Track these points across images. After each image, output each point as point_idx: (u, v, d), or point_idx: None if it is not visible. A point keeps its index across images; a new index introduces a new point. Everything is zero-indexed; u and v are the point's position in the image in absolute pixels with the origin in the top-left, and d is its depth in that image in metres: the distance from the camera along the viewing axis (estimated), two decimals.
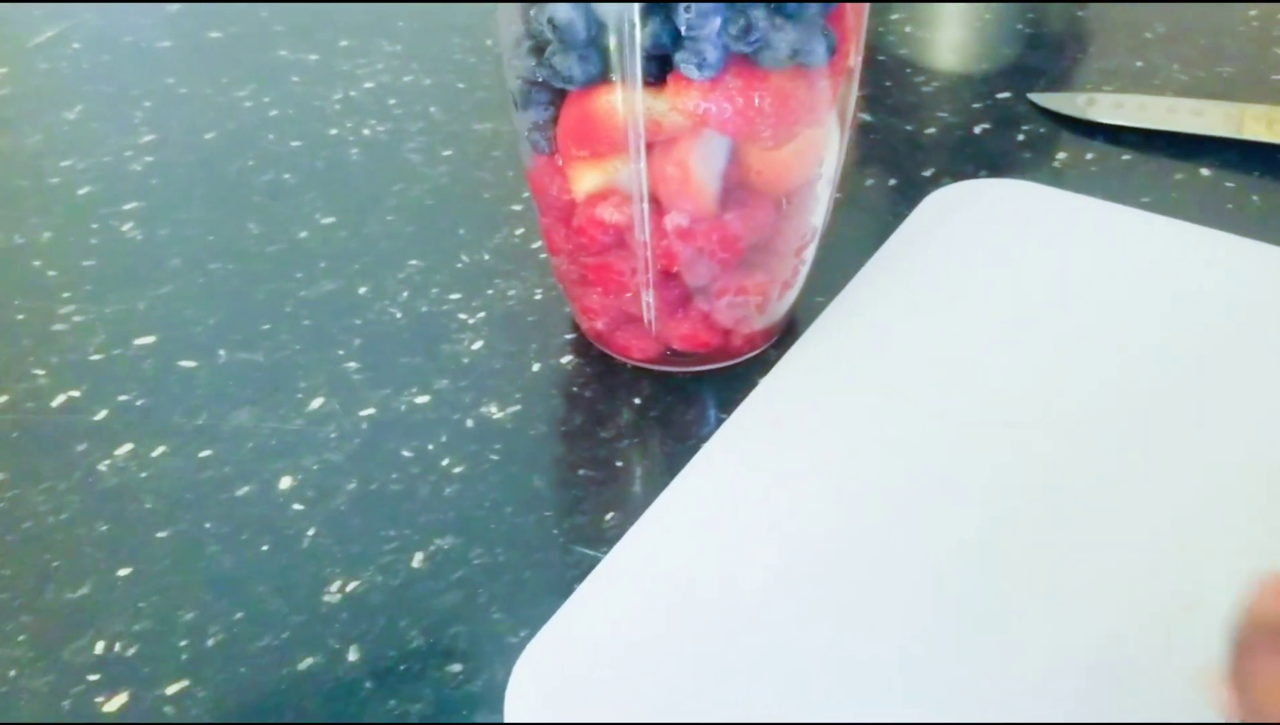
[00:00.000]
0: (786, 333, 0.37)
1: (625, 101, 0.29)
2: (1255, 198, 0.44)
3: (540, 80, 0.30)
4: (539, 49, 0.30)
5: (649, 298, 0.34)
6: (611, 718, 0.26)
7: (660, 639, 0.27)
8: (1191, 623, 0.27)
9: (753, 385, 0.35)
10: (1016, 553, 0.29)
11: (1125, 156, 0.47)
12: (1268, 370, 0.35)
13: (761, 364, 0.36)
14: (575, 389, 0.36)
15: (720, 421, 0.34)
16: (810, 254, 0.36)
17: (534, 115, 0.32)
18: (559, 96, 0.31)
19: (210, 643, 0.29)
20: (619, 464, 0.34)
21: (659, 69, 0.29)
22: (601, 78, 0.29)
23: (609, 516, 0.31)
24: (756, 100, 0.29)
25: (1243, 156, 0.46)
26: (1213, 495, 0.31)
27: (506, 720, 0.26)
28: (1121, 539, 0.30)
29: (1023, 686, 0.26)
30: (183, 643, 0.29)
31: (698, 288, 0.34)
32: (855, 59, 0.33)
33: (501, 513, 0.32)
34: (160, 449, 0.34)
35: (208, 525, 0.32)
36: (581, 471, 0.33)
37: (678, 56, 0.29)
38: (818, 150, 0.32)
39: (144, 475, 0.33)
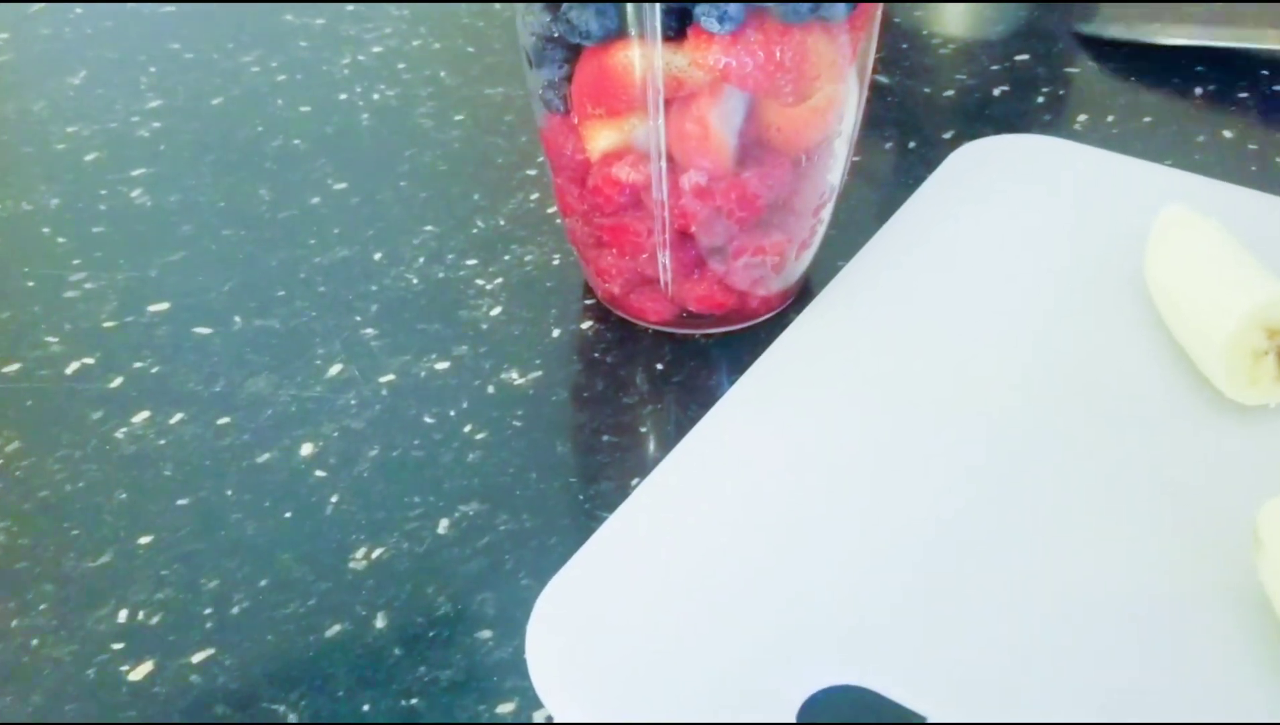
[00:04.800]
0: (802, 295, 0.37)
1: (644, 57, 0.29)
2: (1279, 159, 0.44)
3: (555, 36, 0.30)
4: (554, 3, 0.29)
5: (665, 259, 0.33)
6: (622, 659, 0.26)
7: (669, 586, 0.27)
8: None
9: None
10: (1030, 515, 0.29)
11: (1146, 119, 0.46)
12: None
13: (781, 326, 0.36)
14: (596, 354, 0.36)
15: None
16: (827, 214, 0.35)
17: (548, 73, 0.31)
18: (574, 53, 0.30)
19: (235, 610, 0.28)
20: (642, 429, 0.33)
21: (678, 23, 0.29)
22: (619, 33, 0.29)
23: (634, 482, 0.31)
24: (778, 54, 0.29)
25: (1265, 118, 0.46)
26: (1261, 443, 0.30)
27: (529, 664, 0.26)
28: (1138, 492, 0.29)
29: (1027, 632, 0.26)
30: (207, 610, 0.28)
31: (714, 248, 0.33)
32: (875, 14, 0.32)
33: (526, 479, 0.32)
34: (178, 416, 0.34)
35: (229, 493, 0.31)
36: (605, 437, 0.33)
37: (698, 10, 0.28)
38: (837, 107, 0.32)
39: (162, 442, 0.33)
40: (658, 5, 0.28)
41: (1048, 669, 0.25)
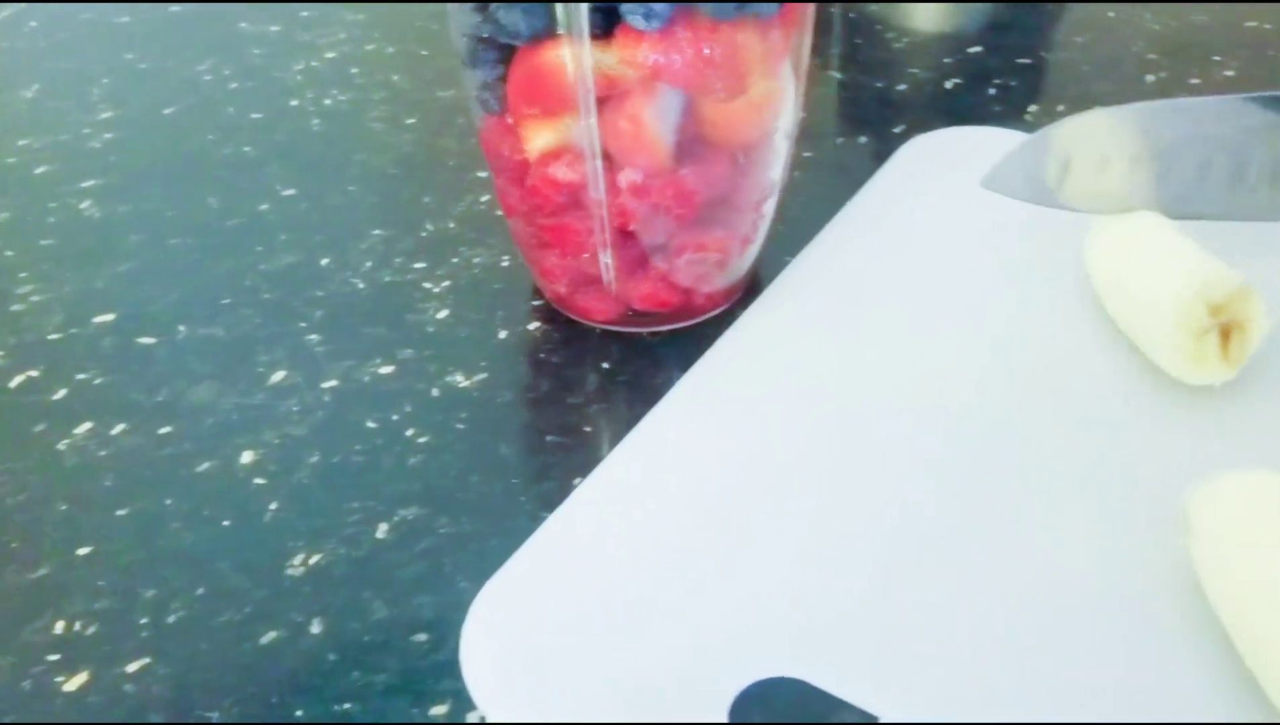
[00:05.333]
0: (750, 290, 0.37)
1: (573, 56, 0.29)
2: None
3: (486, 36, 0.30)
4: (483, 4, 0.29)
5: (607, 258, 0.33)
6: (558, 660, 0.25)
7: (610, 585, 0.27)
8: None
9: None
10: (980, 508, 0.29)
11: (1097, 108, 0.46)
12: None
13: (729, 322, 0.36)
14: (542, 355, 0.36)
15: None
16: (770, 208, 0.35)
17: (483, 74, 0.31)
18: (507, 54, 0.30)
19: (171, 619, 0.28)
20: (587, 429, 0.33)
21: (606, 21, 0.28)
22: (548, 32, 0.29)
23: (577, 482, 0.31)
24: (706, 51, 0.29)
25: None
26: (1208, 429, 0.30)
27: (463, 665, 0.26)
28: (1085, 481, 0.29)
29: (977, 629, 0.26)
30: (143, 620, 0.28)
31: (656, 246, 0.33)
32: (808, 11, 0.32)
33: (468, 482, 0.31)
34: (120, 427, 0.34)
35: (168, 502, 0.31)
36: (549, 438, 0.33)
37: (624, 8, 0.28)
38: (773, 102, 0.32)
39: (103, 453, 0.33)
40: (584, 4, 0.28)
41: (997, 662, 0.25)
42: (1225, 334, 0.31)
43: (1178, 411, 0.31)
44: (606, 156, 0.31)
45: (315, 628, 0.28)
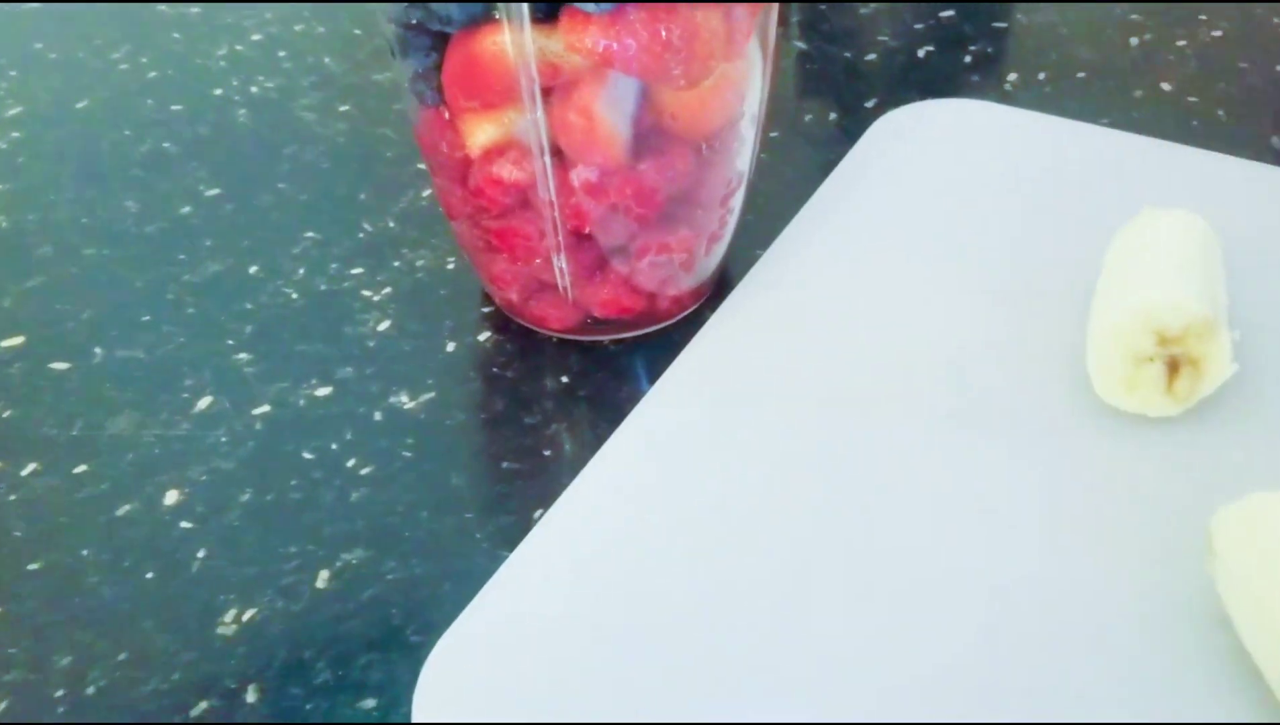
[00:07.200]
0: (718, 290, 0.34)
1: (514, 42, 0.26)
2: (1221, 112, 0.41)
3: (416, 22, 0.27)
4: None
5: (561, 262, 0.30)
6: (523, 713, 0.23)
7: (580, 636, 0.25)
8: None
9: None
10: (974, 527, 0.27)
11: (1081, 75, 0.44)
12: (1243, 285, 0.32)
13: (697, 325, 0.33)
14: (495, 370, 0.33)
15: None
16: (738, 202, 0.33)
17: (415, 64, 0.28)
18: (441, 41, 0.27)
19: (90, 690, 0.26)
20: (547, 453, 0.30)
21: (549, 3, 0.25)
22: (484, 16, 0.26)
23: (538, 514, 0.28)
24: (664, 34, 0.26)
25: (1204, 69, 0.43)
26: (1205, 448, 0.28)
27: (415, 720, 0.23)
28: (1092, 498, 0.27)
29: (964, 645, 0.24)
30: (59, 693, 0.26)
31: (615, 248, 0.30)
32: None
33: (417, 518, 0.29)
34: (30, 467, 0.31)
35: (85, 553, 0.28)
36: (505, 464, 0.30)
37: None
38: (738, 87, 0.29)
39: (13, 498, 0.30)
40: None
41: (1010, 696, 0.23)
42: (1175, 367, 0.28)
43: (1173, 429, 0.29)
44: (556, 152, 0.28)
45: (251, 696, 0.25)
